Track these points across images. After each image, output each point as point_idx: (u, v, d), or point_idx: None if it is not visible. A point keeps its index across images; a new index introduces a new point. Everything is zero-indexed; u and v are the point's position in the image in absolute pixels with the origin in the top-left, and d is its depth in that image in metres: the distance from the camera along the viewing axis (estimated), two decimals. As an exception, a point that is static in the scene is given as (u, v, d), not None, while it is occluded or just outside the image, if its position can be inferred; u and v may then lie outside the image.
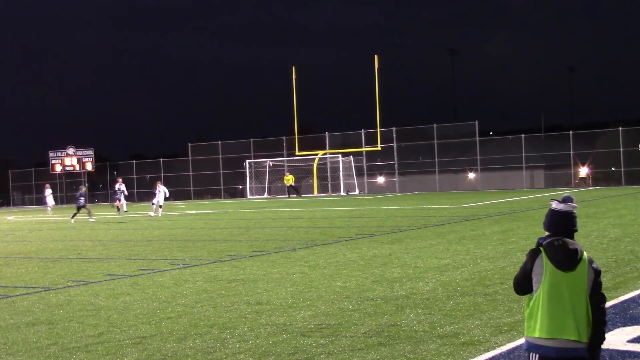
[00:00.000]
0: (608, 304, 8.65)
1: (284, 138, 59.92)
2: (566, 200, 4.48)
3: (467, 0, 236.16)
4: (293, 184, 52.92)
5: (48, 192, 44.67)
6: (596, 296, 4.42)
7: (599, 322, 4.42)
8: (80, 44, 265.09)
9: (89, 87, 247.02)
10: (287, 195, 52.39)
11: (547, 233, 4.55)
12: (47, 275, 14.07)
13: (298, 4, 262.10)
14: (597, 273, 4.43)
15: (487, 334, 7.57)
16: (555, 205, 4.50)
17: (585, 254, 4.42)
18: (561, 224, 4.47)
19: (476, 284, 10.54)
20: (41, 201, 67.79)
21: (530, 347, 4.45)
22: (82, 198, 32.46)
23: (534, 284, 4.43)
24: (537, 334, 4.37)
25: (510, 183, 53.40)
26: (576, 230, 4.51)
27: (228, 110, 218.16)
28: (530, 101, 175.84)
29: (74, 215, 32.17)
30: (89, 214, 32.26)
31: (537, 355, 4.39)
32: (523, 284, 4.51)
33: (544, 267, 4.36)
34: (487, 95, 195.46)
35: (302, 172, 55.84)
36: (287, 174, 53.81)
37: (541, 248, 4.43)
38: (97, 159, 65.96)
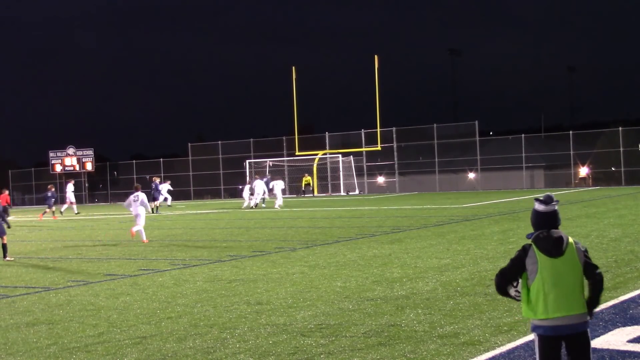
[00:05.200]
0: (608, 304, 8.68)
1: (284, 138, 59.88)
2: (547, 201, 4.94)
3: (467, 0, 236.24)
4: (310, 184, 53.10)
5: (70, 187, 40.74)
6: (592, 269, 4.88)
7: (599, 291, 4.89)
8: (81, 44, 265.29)
9: (89, 87, 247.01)
10: (303, 195, 52.32)
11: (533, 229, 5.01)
12: (47, 275, 14.08)
13: (298, 4, 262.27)
14: (585, 251, 4.92)
15: (487, 334, 7.58)
16: (538, 206, 4.96)
17: (570, 238, 4.89)
18: (545, 222, 4.92)
19: (476, 284, 10.55)
20: (42, 201, 67.76)
21: (535, 328, 4.85)
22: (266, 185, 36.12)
23: (529, 275, 4.81)
24: (541, 316, 4.75)
25: (510, 183, 53.37)
26: (559, 224, 4.95)
27: (228, 110, 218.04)
28: (530, 101, 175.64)
29: (262, 201, 35.51)
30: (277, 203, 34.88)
31: (539, 336, 4.82)
32: (508, 274, 4.90)
33: (537, 258, 4.79)
34: (487, 95, 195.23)
35: (301, 172, 55.80)
36: (306, 175, 53.74)
37: (531, 242, 4.87)
38: (97, 159, 65.86)
